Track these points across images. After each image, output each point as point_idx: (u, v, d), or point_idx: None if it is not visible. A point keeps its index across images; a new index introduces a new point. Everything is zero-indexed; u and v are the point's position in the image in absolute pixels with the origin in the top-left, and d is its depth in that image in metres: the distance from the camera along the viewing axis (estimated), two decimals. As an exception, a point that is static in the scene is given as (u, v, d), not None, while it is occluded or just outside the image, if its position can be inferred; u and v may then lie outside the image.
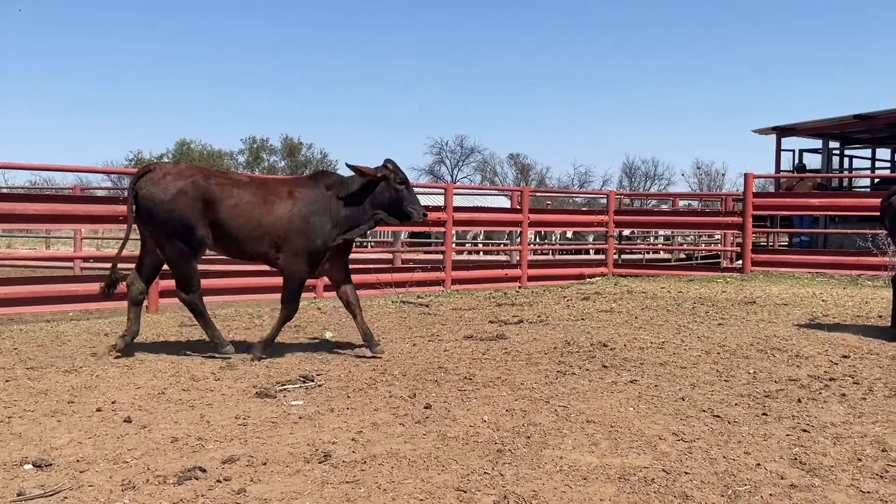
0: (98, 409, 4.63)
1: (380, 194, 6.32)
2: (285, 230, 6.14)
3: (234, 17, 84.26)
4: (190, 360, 6.13)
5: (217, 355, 6.19)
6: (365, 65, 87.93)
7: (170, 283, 9.46)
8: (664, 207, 25.00)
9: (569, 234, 23.52)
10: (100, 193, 28.08)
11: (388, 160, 6.42)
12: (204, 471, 3.53)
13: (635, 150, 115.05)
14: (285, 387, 5.20)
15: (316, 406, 4.73)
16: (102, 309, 9.42)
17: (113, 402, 4.79)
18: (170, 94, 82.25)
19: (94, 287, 9.08)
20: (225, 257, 6.92)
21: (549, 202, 29.06)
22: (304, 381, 5.34)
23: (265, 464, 3.65)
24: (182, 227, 6.03)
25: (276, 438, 4.06)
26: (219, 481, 3.42)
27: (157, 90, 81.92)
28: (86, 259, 15.96)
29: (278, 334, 6.45)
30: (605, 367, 5.91)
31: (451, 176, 59.98)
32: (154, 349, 6.65)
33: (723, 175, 55.51)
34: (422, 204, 6.56)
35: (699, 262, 20.22)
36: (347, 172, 6.36)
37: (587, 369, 5.83)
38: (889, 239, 12.14)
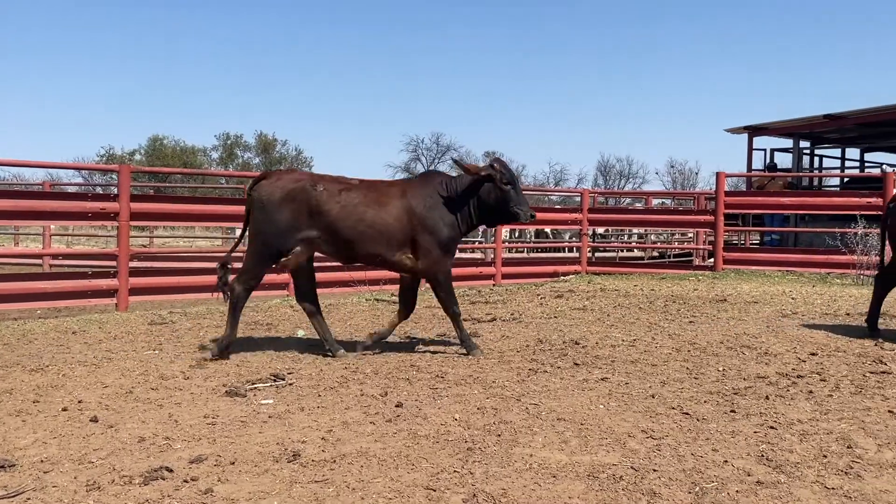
0: (64, 409, 4.57)
1: (486, 194, 6.29)
2: (406, 231, 6.15)
3: (208, 11, 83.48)
4: (159, 358, 6.07)
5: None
6: (340, 61, 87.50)
7: (139, 282, 9.41)
8: (638, 206, 25.16)
9: (547, 231, 23.58)
10: (70, 190, 27.73)
11: (495, 159, 6.45)
12: (171, 471, 3.49)
13: (610, 148, 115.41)
14: (255, 386, 5.17)
15: (286, 405, 4.70)
16: (71, 307, 9.30)
17: (79, 402, 4.73)
18: (143, 89, 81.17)
19: (64, 284, 9.00)
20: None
21: (525, 200, 29.19)
22: (275, 380, 5.30)
23: (233, 463, 3.62)
24: (281, 230, 6.09)
25: (245, 438, 4.03)
26: (186, 481, 3.38)
27: (129, 85, 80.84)
28: (55, 256, 15.76)
29: (466, 332, 6.46)
30: (576, 364, 5.93)
31: (427, 174, 59.86)
32: (123, 347, 6.57)
33: (696, 174, 55.86)
34: None
35: (672, 259, 20.39)
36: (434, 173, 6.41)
37: (559, 367, 5.85)
38: (861, 239, 12.32)
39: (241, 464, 3.62)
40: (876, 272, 11.83)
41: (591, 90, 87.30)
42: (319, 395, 4.94)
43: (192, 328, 7.63)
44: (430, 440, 4.00)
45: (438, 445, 3.92)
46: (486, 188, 6.29)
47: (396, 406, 4.65)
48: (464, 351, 6.36)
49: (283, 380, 5.33)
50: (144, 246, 19.78)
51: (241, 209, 10.70)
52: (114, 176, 18.36)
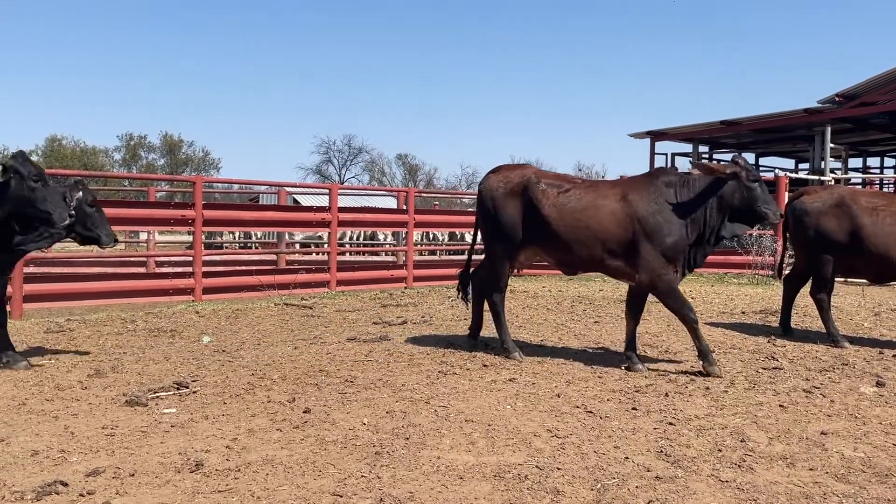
0: (-51, 424, 4.33)
1: (729, 194, 5.75)
2: (630, 233, 5.74)
3: (111, 6, 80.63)
4: (55, 368, 5.82)
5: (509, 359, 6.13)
6: (249, 61, 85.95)
7: (35, 288, 9.00)
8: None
9: (459, 233, 23.67)
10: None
11: (737, 156, 5.94)
12: (66, 485, 3.36)
13: (520, 152, 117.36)
14: (158, 394, 5.02)
15: (190, 413, 4.58)
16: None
17: (-33, 416, 4.49)
18: (39, 85, 77.78)
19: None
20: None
21: (436, 203, 29.28)
22: (178, 388, 5.16)
23: (133, 475, 3.51)
24: (507, 226, 5.99)
25: (146, 448, 3.91)
26: (82, 495, 3.26)
27: (24, 82, 77.30)
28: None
29: (705, 344, 5.81)
30: (485, 366, 6.00)
31: (339, 176, 59.47)
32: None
33: (603, 177, 57.43)
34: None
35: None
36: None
37: (468, 369, 5.91)
38: (756, 240, 12.89)
39: (141, 475, 3.51)
40: (770, 272, 12.47)
41: (502, 93, 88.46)
42: (225, 403, 4.84)
43: (90, 336, 7.34)
44: (338, 445, 3.98)
45: (346, 451, 3.90)
46: (730, 188, 5.75)
47: (304, 412, 4.60)
48: (700, 368, 5.80)
49: (187, 388, 5.19)
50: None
51: (146, 212, 10.41)
52: None
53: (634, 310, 6.07)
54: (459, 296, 6.55)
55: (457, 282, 7.07)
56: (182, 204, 11.48)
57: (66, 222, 5.51)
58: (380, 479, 3.50)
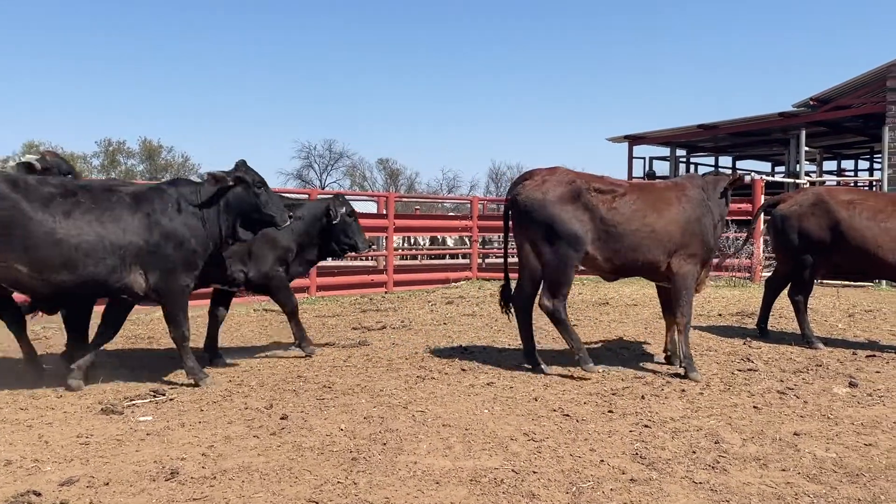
0: (-79, 434, 4.29)
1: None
2: (681, 235, 5.95)
3: (88, 10, 79.88)
4: (29, 375, 5.76)
5: (583, 370, 5.89)
6: (229, 66, 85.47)
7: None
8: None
9: (449, 242, 23.58)
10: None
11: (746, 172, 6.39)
12: (39, 494, 3.34)
13: (501, 156, 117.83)
14: (134, 402, 4.99)
15: (166, 421, 4.56)
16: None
17: (-61, 426, 4.45)
18: (15, 90, 76.88)
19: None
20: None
21: (417, 207, 29.30)
22: (155, 396, 5.13)
23: (107, 484, 3.49)
24: (564, 234, 5.78)
25: (121, 457, 3.89)
26: (55, 505, 3.24)
27: (0, 87, 76.37)
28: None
29: (688, 344, 6.01)
30: (463, 370, 6.01)
31: (320, 181, 59.17)
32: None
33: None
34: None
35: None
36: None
37: (446, 373, 5.92)
38: (732, 243, 13.00)
39: (116, 484, 3.49)
40: (747, 275, 12.59)
41: (483, 98, 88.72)
42: (202, 410, 4.82)
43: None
44: (315, 452, 3.98)
45: (323, 457, 3.90)
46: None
47: (281, 418, 4.59)
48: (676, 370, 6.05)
49: (164, 395, 5.17)
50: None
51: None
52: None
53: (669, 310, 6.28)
54: (503, 310, 6.32)
55: (436, 286, 7.04)
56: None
57: (287, 224, 5.95)
58: (356, 485, 3.50)
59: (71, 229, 5.02)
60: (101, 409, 4.76)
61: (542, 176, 6.00)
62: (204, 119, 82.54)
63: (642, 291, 11.50)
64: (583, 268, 6.19)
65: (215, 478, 3.58)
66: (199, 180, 5.66)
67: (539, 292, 6.00)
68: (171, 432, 4.33)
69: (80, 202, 5.14)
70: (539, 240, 5.88)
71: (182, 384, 5.53)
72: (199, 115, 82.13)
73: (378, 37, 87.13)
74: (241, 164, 5.78)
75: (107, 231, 5.14)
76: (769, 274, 8.99)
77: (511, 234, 6.22)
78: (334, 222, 6.61)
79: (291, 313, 6.56)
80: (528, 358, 6.12)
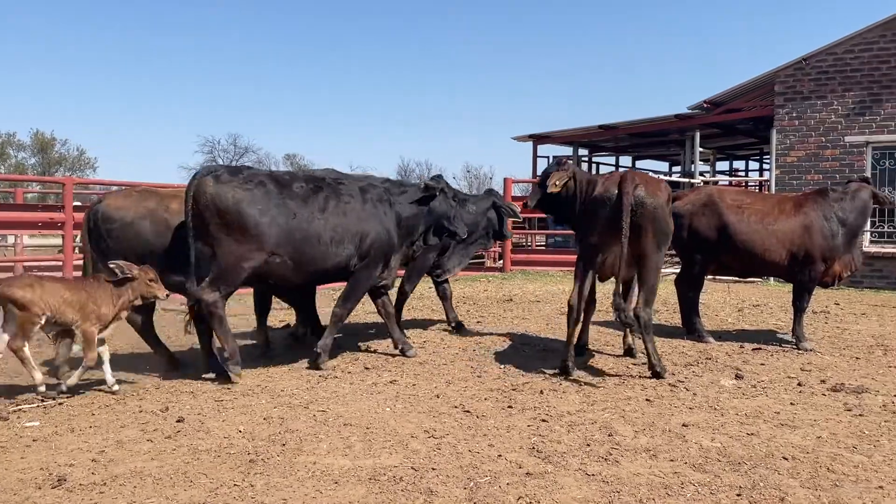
0: None
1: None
2: (807, 240, 7.08)
3: (-27, -4, 75.45)
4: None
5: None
6: (125, 57, 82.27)
7: None
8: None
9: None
10: None
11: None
12: (-89, 508, 3.17)
13: (410, 153, 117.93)
14: (20, 407, 4.78)
15: (54, 426, 4.39)
16: None
17: None
18: None
19: None
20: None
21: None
22: (43, 400, 4.93)
23: (-12, 494, 3.34)
24: (701, 241, 7.06)
25: (5, 465, 3.73)
26: (-71, 519, 3.08)
27: None
28: None
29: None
30: (367, 368, 6.01)
31: (225, 175, 57.74)
32: None
33: (490, 178, 58.12)
34: None
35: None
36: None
37: (350, 372, 5.91)
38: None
39: (-2, 494, 3.35)
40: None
41: (389, 93, 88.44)
42: (93, 415, 4.66)
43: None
44: (212, 454, 3.91)
45: (220, 459, 3.84)
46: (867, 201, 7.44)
47: (177, 421, 4.49)
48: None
49: (53, 399, 4.97)
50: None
51: (13, 215, 9.84)
52: None
53: None
54: (617, 319, 5.71)
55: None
56: (52, 206, 10.95)
57: (465, 237, 6.75)
58: (253, 487, 3.46)
59: (327, 223, 5.72)
60: (-16, 416, 4.54)
61: (657, 179, 6.36)
62: (102, 112, 79.26)
63: (545, 288, 11.74)
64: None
65: (105, 484, 3.47)
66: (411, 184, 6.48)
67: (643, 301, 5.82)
68: (60, 438, 4.17)
69: (328, 197, 5.77)
70: (652, 242, 5.90)
71: (74, 387, 5.31)
72: (97, 109, 78.78)
73: (283, 30, 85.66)
74: (441, 178, 6.50)
75: (348, 221, 5.84)
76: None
77: None
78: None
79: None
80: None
